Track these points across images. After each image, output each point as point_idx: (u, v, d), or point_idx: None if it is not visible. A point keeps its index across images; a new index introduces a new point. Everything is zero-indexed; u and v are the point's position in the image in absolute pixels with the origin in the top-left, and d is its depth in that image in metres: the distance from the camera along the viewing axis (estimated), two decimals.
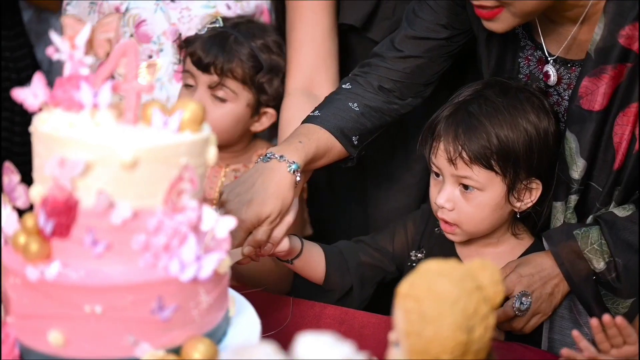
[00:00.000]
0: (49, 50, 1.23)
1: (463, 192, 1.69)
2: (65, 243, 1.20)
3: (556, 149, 1.71)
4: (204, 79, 2.03)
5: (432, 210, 1.78)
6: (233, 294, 1.44)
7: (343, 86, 1.87)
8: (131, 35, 2.25)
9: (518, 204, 1.70)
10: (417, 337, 1.07)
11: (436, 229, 1.82)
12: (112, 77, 1.24)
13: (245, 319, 1.39)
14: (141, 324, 1.19)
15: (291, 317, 1.71)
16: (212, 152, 1.27)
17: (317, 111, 1.81)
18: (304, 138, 1.74)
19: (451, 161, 1.67)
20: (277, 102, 2.07)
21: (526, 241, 1.79)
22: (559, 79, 1.72)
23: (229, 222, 1.26)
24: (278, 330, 1.66)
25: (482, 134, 1.65)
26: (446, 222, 1.72)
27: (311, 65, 2.02)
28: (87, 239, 1.18)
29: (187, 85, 2.07)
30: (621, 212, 1.64)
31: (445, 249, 1.82)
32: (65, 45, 1.24)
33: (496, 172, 1.66)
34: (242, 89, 2.05)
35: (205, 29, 2.04)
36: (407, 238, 1.86)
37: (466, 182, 1.67)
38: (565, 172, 1.69)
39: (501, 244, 1.78)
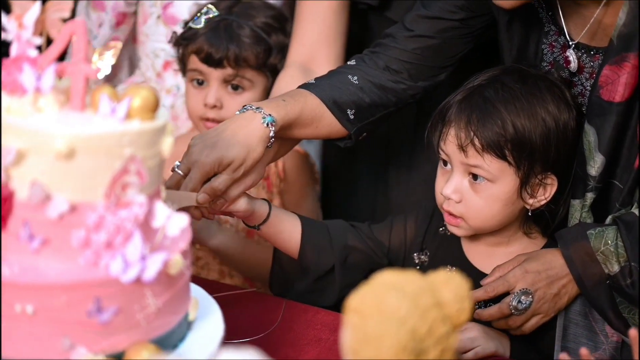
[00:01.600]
0: None
1: (472, 183, 1.56)
2: (3, 236, 1.12)
3: (576, 144, 1.57)
4: (217, 75, 1.93)
5: (435, 208, 1.66)
6: (201, 295, 1.35)
7: (348, 62, 1.77)
8: (158, 17, 2.18)
9: (531, 201, 1.57)
10: (358, 357, 0.95)
11: (440, 229, 1.70)
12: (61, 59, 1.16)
13: (209, 323, 1.29)
14: (77, 327, 1.10)
15: (280, 320, 1.61)
16: (167, 143, 1.17)
17: (314, 80, 1.72)
18: (289, 98, 1.63)
19: (462, 148, 1.54)
20: None
21: (539, 241, 1.66)
22: (581, 66, 1.58)
23: (182, 220, 1.16)
24: (265, 334, 1.57)
25: (497, 121, 1.53)
26: (451, 214, 1.60)
27: (313, 41, 1.92)
28: (23, 233, 1.10)
29: (196, 82, 1.97)
30: None
31: (451, 249, 1.69)
32: (12, 25, 1.16)
33: (509, 163, 1.53)
34: (257, 75, 1.96)
35: (202, 22, 1.93)
36: (406, 236, 1.73)
37: (476, 171, 1.55)
38: (582, 168, 1.55)
39: (512, 244, 1.65)
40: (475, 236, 1.65)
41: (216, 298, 1.64)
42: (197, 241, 1.81)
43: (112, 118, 1.13)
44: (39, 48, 1.18)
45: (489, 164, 1.53)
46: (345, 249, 1.69)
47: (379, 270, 1.66)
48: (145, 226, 1.15)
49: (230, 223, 1.95)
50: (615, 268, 1.49)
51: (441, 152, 1.60)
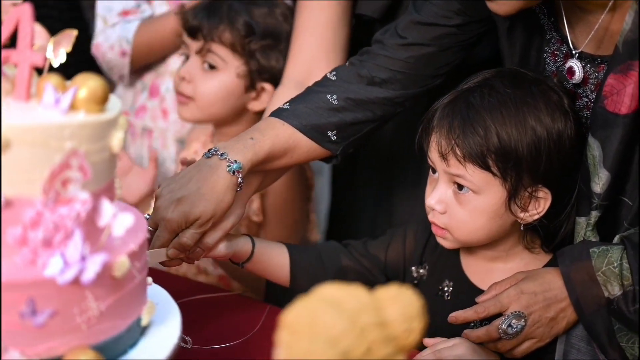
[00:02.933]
0: None
1: (457, 194, 1.46)
2: None
3: (574, 155, 1.46)
4: (194, 46, 1.91)
5: None
6: (163, 300, 1.29)
7: (328, 75, 1.66)
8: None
9: (522, 215, 1.46)
10: None
11: (435, 244, 1.59)
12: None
13: (165, 329, 1.22)
14: (10, 329, 1.04)
15: (262, 325, 1.54)
16: (117, 138, 1.10)
17: (287, 104, 1.61)
18: (257, 134, 1.53)
19: (443, 156, 1.45)
20: (276, 79, 1.88)
21: (542, 256, 1.54)
22: (585, 77, 1.46)
23: (127, 219, 1.09)
24: (244, 339, 1.50)
25: (479, 129, 1.42)
26: (437, 225, 1.51)
27: (311, 56, 1.82)
28: None
29: (184, 57, 1.96)
30: None
31: (449, 264, 1.59)
32: None
33: (494, 174, 1.43)
34: (232, 56, 1.89)
35: None
36: (405, 250, 1.64)
37: (460, 181, 1.45)
38: (587, 184, 1.44)
39: (512, 259, 1.54)
40: (472, 250, 1.56)
41: (195, 301, 1.59)
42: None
43: (55, 109, 1.06)
44: None
45: (472, 174, 1.43)
46: (339, 272, 1.62)
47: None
48: (90, 225, 1.08)
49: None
50: (617, 291, 1.37)
51: (429, 160, 1.50)
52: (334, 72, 1.65)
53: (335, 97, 1.61)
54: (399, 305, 0.93)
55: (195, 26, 1.87)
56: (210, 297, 1.63)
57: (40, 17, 1.13)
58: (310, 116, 1.59)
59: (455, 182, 1.46)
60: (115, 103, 1.13)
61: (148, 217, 1.47)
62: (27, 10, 1.07)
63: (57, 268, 1.04)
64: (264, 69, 1.89)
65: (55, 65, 1.14)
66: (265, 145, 1.53)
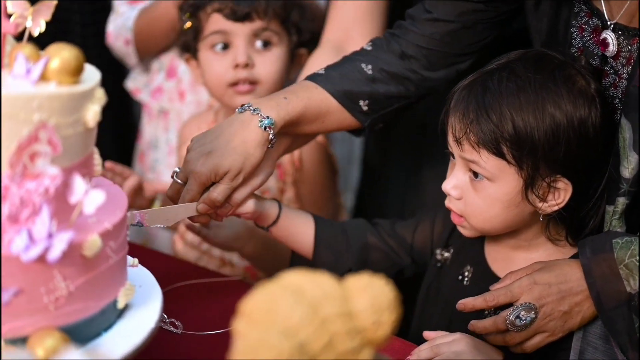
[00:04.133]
0: None
1: (472, 180, 1.40)
2: None
3: (599, 144, 1.37)
4: (244, 30, 1.80)
5: None
6: (147, 283, 1.24)
7: (364, 47, 1.61)
8: None
9: (540, 204, 1.38)
10: None
11: None
12: None
13: (144, 313, 1.18)
14: None
15: None
16: (92, 111, 1.06)
17: (323, 70, 1.57)
18: (291, 95, 1.50)
19: (457, 141, 1.39)
20: (312, 44, 1.85)
21: (567, 250, 1.45)
22: (618, 50, 1.37)
23: (98, 197, 1.04)
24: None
25: (493, 116, 1.35)
26: (453, 212, 1.45)
27: (348, 19, 1.79)
28: None
29: (219, 47, 1.83)
30: None
31: (473, 250, 1.53)
32: None
33: (508, 162, 1.36)
34: (283, 30, 1.84)
35: None
36: (433, 233, 1.59)
37: (474, 167, 1.39)
38: (616, 169, 1.35)
39: (534, 250, 1.46)
40: (496, 237, 1.49)
41: (198, 286, 1.55)
42: (231, 248, 1.71)
43: (25, 79, 1.02)
44: None
45: (486, 161, 1.36)
46: (364, 249, 1.59)
47: (402, 269, 1.60)
48: (60, 202, 1.04)
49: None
50: (637, 285, 1.29)
51: (448, 144, 1.45)
52: (371, 43, 1.61)
53: (370, 67, 1.57)
54: (369, 295, 0.87)
55: (250, 9, 1.78)
56: (210, 282, 1.58)
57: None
58: (344, 83, 1.55)
59: (470, 169, 1.40)
60: (92, 75, 1.08)
61: (178, 170, 1.47)
62: None
63: (22, 245, 1.00)
64: (305, 37, 1.86)
65: (35, 34, 1.10)
66: (298, 106, 1.49)
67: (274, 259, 1.73)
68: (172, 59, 2.12)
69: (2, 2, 1.07)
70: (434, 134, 1.87)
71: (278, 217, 1.55)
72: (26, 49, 1.04)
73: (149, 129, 2.18)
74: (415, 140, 1.99)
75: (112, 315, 1.14)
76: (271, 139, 1.46)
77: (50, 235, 1.01)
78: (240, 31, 1.81)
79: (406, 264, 1.61)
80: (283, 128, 1.48)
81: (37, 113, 1.00)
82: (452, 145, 1.41)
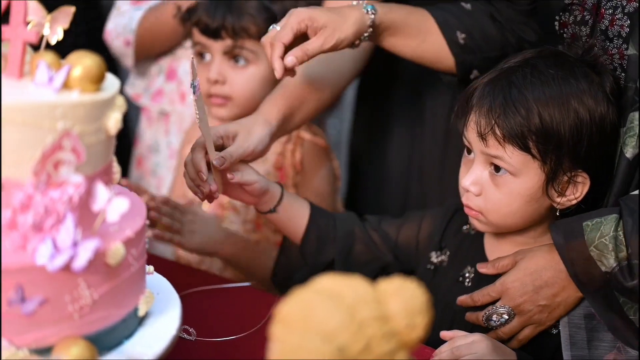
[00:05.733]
0: None
1: (493, 175, 1.40)
2: None
3: (615, 140, 1.39)
4: (217, 47, 1.80)
5: (458, 205, 1.51)
6: (164, 289, 1.24)
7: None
8: None
9: (559, 199, 1.40)
10: None
11: (465, 227, 1.55)
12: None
13: (164, 320, 1.17)
14: None
15: (269, 318, 1.48)
16: (114, 119, 1.06)
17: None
18: (393, 4, 1.56)
19: (482, 136, 1.39)
20: None
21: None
22: None
23: (122, 204, 1.04)
24: (250, 331, 1.45)
25: (521, 109, 1.36)
26: (469, 207, 1.45)
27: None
28: None
29: (201, 56, 1.84)
30: None
31: (472, 249, 1.54)
32: None
33: (533, 156, 1.37)
34: (259, 46, 1.81)
35: None
36: (419, 234, 1.59)
37: (498, 162, 1.39)
38: (632, 83, 1.37)
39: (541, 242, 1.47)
40: (500, 235, 1.50)
41: (206, 292, 1.55)
42: (207, 253, 1.72)
43: (47, 87, 1.02)
44: None
45: (511, 156, 1.37)
46: (348, 240, 1.59)
47: (385, 267, 1.59)
48: (84, 210, 1.04)
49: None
50: (612, 263, 1.31)
51: (465, 140, 1.45)
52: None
53: (469, 5, 1.63)
54: (402, 299, 0.87)
55: (218, 27, 1.77)
56: (219, 289, 1.58)
57: None
58: (444, 11, 1.60)
59: (492, 164, 1.40)
60: (112, 83, 1.08)
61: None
62: None
63: (47, 254, 1.00)
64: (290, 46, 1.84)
65: (53, 42, 1.10)
66: (401, 11, 1.56)
67: (251, 260, 1.74)
68: (171, 61, 2.12)
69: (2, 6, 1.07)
70: (431, 134, 1.90)
71: (281, 198, 1.54)
72: (47, 56, 1.04)
73: (149, 133, 2.17)
74: (412, 138, 1.99)
75: (133, 323, 1.14)
76: (369, 26, 1.50)
77: (75, 244, 1.01)
78: (214, 47, 1.81)
79: (389, 260, 1.60)
80: (382, 29, 1.53)
81: (61, 121, 1.00)
82: (473, 141, 1.41)
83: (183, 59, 2.10)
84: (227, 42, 1.78)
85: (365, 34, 1.51)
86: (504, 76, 1.41)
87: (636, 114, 1.35)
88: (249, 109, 1.76)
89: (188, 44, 2.06)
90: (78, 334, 1.05)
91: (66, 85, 1.02)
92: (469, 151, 1.45)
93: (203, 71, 1.80)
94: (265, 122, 1.54)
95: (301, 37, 1.47)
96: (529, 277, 1.40)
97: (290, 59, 1.45)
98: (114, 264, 1.06)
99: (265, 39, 1.48)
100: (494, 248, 1.52)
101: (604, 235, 1.31)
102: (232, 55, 1.80)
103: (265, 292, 1.61)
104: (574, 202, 1.40)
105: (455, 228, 1.57)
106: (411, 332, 0.87)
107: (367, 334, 0.83)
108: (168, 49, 2.09)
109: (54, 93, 1.01)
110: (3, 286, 0.99)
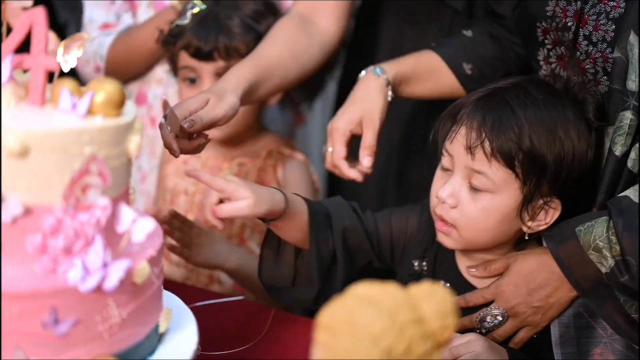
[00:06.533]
0: None
1: (472, 190, 1.44)
2: None
3: (590, 172, 1.45)
4: (209, 69, 1.83)
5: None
6: (177, 306, 1.27)
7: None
8: (148, 5, 2.09)
9: (530, 223, 1.44)
10: None
11: (435, 240, 1.55)
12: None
13: (182, 336, 1.21)
14: (32, 339, 1.02)
15: (268, 330, 1.52)
16: (135, 142, 1.09)
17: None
18: (399, 58, 1.68)
19: (469, 150, 1.41)
20: None
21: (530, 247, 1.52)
22: None
23: (148, 225, 1.08)
24: (250, 345, 1.48)
25: (515, 127, 1.40)
26: (443, 220, 1.47)
27: None
28: None
29: (188, 80, 1.87)
30: (637, 196, 1.37)
31: (446, 264, 1.56)
32: None
33: (516, 175, 1.41)
34: None
35: (188, 18, 1.83)
36: (407, 232, 1.59)
37: (479, 178, 1.42)
38: (621, 84, 1.41)
39: None
40: (468, 253, 1.53)
41: (201, 307, 1.57)
42: (213, 266, 1.73)
43: (72, 114, 1.05)
44: None
45: (495, 172, 1.41)
46: (345, 234, 1.53)
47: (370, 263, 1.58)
48: (109, 231, 1.07)
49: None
50: (610, 263, 1.37)
51: (445, 153, 1.47)
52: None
53: (470, 31, 1.71)
54: (434, 301, 0.93)
55: (211, 49, 1.81)
56: (214, 303, 1.61)
57: None
58: (447, 46, 1.70)
59: (472, 179, 1.43)
60: (130, 107, 1.11)
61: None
62: (41, 14, 1.05)
63: (78, 276, 1.03)
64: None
65: (66, 70, 1.12)
66: (409, 62, 1.67)
67: (254, 272, 1.76)
68: (140, 85, 2.13)
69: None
70: (406, 153, 1.95)
71: (286, 205, 1.43)
72: (69, 83, 1.07)
73: None
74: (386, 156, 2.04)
75: (154, 339, 1.17)
76: (387, 85, 1.62)
77: (105, 265, 1.04)
78: (205, 69, 1.84)
79: (372, 258, 1.58)
80: (396, 83, 1.64)
81: (88, 146, 1.02)
82: (458, 154, 1.43)
83: (152, 83, 2.11)
84: (219, 63, 1.82)
85: (389, 93, 1.63)
86: (498, 94, 1.45)
87: (626, 112, 1.40)
88: (240, 127, 1.80)
89: (157, 67, 2.09)
90: (108, 353, 1.07)
91: (89, 111, 1.05)
92: (446, 164, 1.47)
93: (192, 93, 1.83)
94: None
95: None
96: (522, 279, 1.44)
97: (367, 160, 1.60)
98: (140, 283, 1.09)
99: (328, 165, 1.63)
100: (466, 264, 1.54)
101: (597, 237, 1.37)
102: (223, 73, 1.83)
103: (259, 305, 1.64)
104: (543, 227, 1.45)
105: (434, 236, 1.55)
106: (444, 332, 0.92)
107: (407, 336, 0.88)
108: (140, 74, 2.10)
109: (79, 119, 1.04)
110: (37, 310, 1.01)
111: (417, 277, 1.58)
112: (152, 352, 1.16)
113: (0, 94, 1.04)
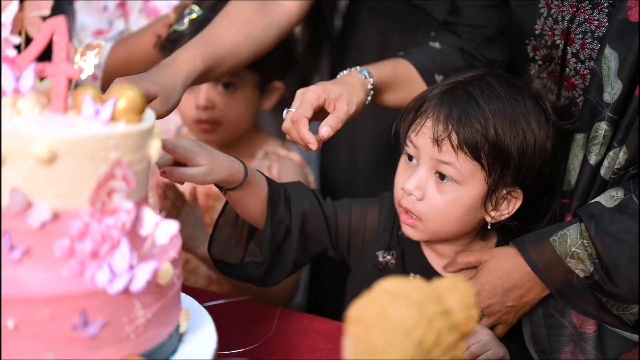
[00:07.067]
0: None
1: (438, 182, 1.46)
2: None
3: (551, 162, 1.50)
4: None
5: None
6: (192, 306, 1.29)
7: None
8: (140, 11, 2.10)
9: (493, 213, 1.49)
10: None
11: (399, 232, 1.57)
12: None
13: (201, 335, 1.23)
14: (62, 341, 1.04)
15: (275, 330, 1.55)
16: (155, 147, 1.11)
17: (400, 53, 1.71)
18: (377, 64, 1.64)
19: (436, 142, 1.44)
20: (282, 73, 1.92)
21: (492, 237, 1.58)
22: None
23: (172, 227, 1.10)
24: (258, 344, 1.51)
25: (480, 119, 1.44)
26: (408, 213, 1.49)
27: None
28: (3, 242, 1.04)
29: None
30: (608, 201, 1.42)
31: (413, 257, 1.58)
32: None
33: (482, 167, 1.44)
34: (246, 71, 1.87)
35: (185, 24, 1.86)
36: (365, 225, 1.60)
37: (446, 169, 1.45)
38: (597, 96, 1.46)
39: (471, 249, 1.56)
40: (433, 244, 1.56)
41: (207, 308, 1.59)
42: (186, 248, 1.75)
43: (96, 120, 1.07)
44: (18, 47, 1.12)
45: (462, 164, 1.44)
46: (303, 217, 1.54)
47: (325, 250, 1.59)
48: (133, 234, 1.09)
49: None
50: (590, 267, 1.42)
51: (409, 144, 1.49)
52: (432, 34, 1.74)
53: (437, 43, 1.70)
54: (458, 295, 0.97)
55: None
56: (218, 304, 1.63)
57: None
58: (420, 56, 1.68)
59: (437, 171, 1.46)
60: (149, 112, 1.14)
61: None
62: (62, 23, 1.07)
63: (105, 279, 1.05)
64: (274, 70, 1.90)
65: (84, 77, 1.14)
66: (388, 68, 1.63)
67: None
68: None
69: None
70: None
71: (245, 176, 1.42)
72: (90, 90, 1.09)
73: None
74: (378, 151, 2.08)
75: (175, 339, 1.19)
76: (370, 89, 1.57)
77: (131, 267, 1.06)
78: None
79: (328, 246, 1.60)
80: (377, 90, 1.59)
81: (113, 152, 1.05)
82: (424, 146, 1.46)
83: None
84: None
85: (369, 97, 1.58)
86: (462, 87, 1.48)
87: (601, 123, 1.45)
88: (237, 131, 1.82)
89: None
90: (134, 353, 1.10)
91: (112, 117, 1.07)
92: (410, 157, 1.50)
93: (190, 98, 1.85)
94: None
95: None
96: (499, 280, 1.48)
97: (325, 129, 1.48)
98: (164, 284, 1.11)
99: (286, 123, 1.50)
100: (433, 254, 1.57)
101: (573, 245, 1.42)
102: (222, 81, 1.85)
103: (264, 305, 1.67)
104: (506, 216, 1.49)
105: (397, 228, 1.57)
106: (468, 323, 0.96)
107: (436, 328, 0.92)
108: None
109: (103, 125, 1.06)
110: (66, 312, 1.03)
111: (383, 268, 1.59)
112: (173, 352, 1.18)
113: (0, 102, 1.06)
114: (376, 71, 1.60)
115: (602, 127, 1.46)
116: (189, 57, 1.54)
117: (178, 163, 1.36)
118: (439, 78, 1.67)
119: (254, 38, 1.67)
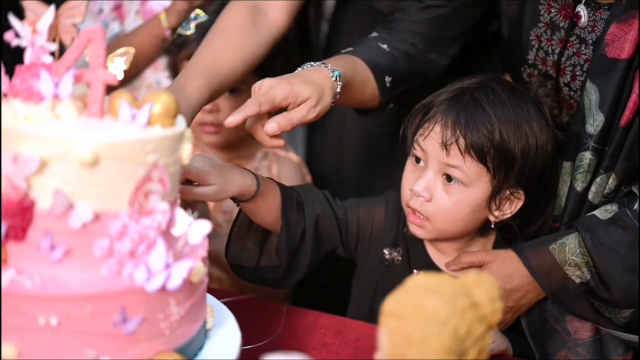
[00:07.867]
0: (8, 36, 1.12)
1: (445, 184, 1.53)
2: (21, 247, 1.09)
3: (549, 167, 1.57)
4: None
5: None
6: (214, 303, 1.34)
7: (370, 35, 1.74)
8: (136, 13, 2.13)
9: (496, 213, 1.56)
10: None
11: (404, 229, 1.64)
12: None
13: (225, 331, 1.28)
14: (102, 338, 1.08)
15: (283, 326, 1.60)
16: (187, 150, 1.16)
17: (350, 48, 1.69)
18: (340, 60, 1.60)
19: (444, 146, 1.51)
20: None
21: (491, 234, 1.64)
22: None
23: (205, 227, 1.15)
24: (269, 340, 1.55)
25: (487, 124, 1.51)
26: (416, 213, 1.55)
27: None
28: (44, 243, 1.08)
29: None
30: (603, 214, 1.51)
31: (417, 253, 1.65)
32: (26, 31, 1.13)
33: (488, 169, 1.52)
34: (250, 76, 1.91)
35: (191, 28, 1.89)
36: (373, 222, 1.66)
37: (453, 172, 1.52)
38: (582, 126, 1.53)
39: (472, 247, 1.64)
40: (437, 243, 1.63)
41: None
42: None
43: (133, 125, 1.11)
44: (52, 54, 1.15)
45: (469, 167, 1.51)
46: (317, 221, 1.59)
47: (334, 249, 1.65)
48: (167, 234, 1.13)
49: (222, 226, 1.94)
50: (587, 275, 1.51)
51: (417, 147, 1.55)
52: (375, 33, 1.73)
53: (385, 45, 1.70)
54: (484, 288, 1.03)
55: None
56: (227, 302, 1.67)
57: None
58: (372, 55, 1.66)
59: (445, 174, 1.52)
60: (180, 117, 1.18)
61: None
62: (99, 31, 1.11)
63: (143, 277, 1.09)
64: (275, 74, 1.92)
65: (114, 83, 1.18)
66: (350, 68, 1.59)
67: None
68: (129, 92, 2.17)
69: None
70: (379, 149, 2.04)
71: (257, 189, 1.48)
72: (125, 95, 1.13)
73: None
74: (363, 154, 2.14)
75: (202, 335, 1.24)
76: (337, 92, 1.53)
77: (167, 266, 1.11)
78: None
79: (338, 245, 1.65)
80: (346, 82, 1.56)
81: (151, 155, 1.09)
82: (432, 150, 1.52)
83: (142, 89, 2.16)
84: None
85: (334, 100, 1.54)
86: (468, 93, 1.55)
87: (586, 153, 1.53)
88: (239, 133, 1.86)
89: (146, 73, 2.14)
90: (169, 349, 1.14)
91: (148, 122, 1.12)
92: (418, 160, 1.56)
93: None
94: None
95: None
96: (500, 281, 1.54)
97: (271, 126, 1.44)
98: (195, 282, 1.16)
99: (249, 122, 1.48)
100: (436, 251, 1.64)
101: (571, 253, 1.50)
102: None
103: (272, 302, 1.71)
104: (508, 216, 1.57)
105: (403, 225, 1.64)
106: (494, 315, 1.02)
107: (467, 319, 0.98)
108: (130, 79, 2.15)
109: (141, 129, 1.10)
110: (105, 310, 1.07)
111: (389, 265, 1.65)
112: (201, 347, 1.23)
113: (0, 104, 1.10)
114: (342, 71, 1.57)
115: (587, 156, 1.53)
116: (195, 88, 1.57)
117: (189, 181, 1.41)
118: (388, 79, 1.69)
119: (249, 58, 1.70)
